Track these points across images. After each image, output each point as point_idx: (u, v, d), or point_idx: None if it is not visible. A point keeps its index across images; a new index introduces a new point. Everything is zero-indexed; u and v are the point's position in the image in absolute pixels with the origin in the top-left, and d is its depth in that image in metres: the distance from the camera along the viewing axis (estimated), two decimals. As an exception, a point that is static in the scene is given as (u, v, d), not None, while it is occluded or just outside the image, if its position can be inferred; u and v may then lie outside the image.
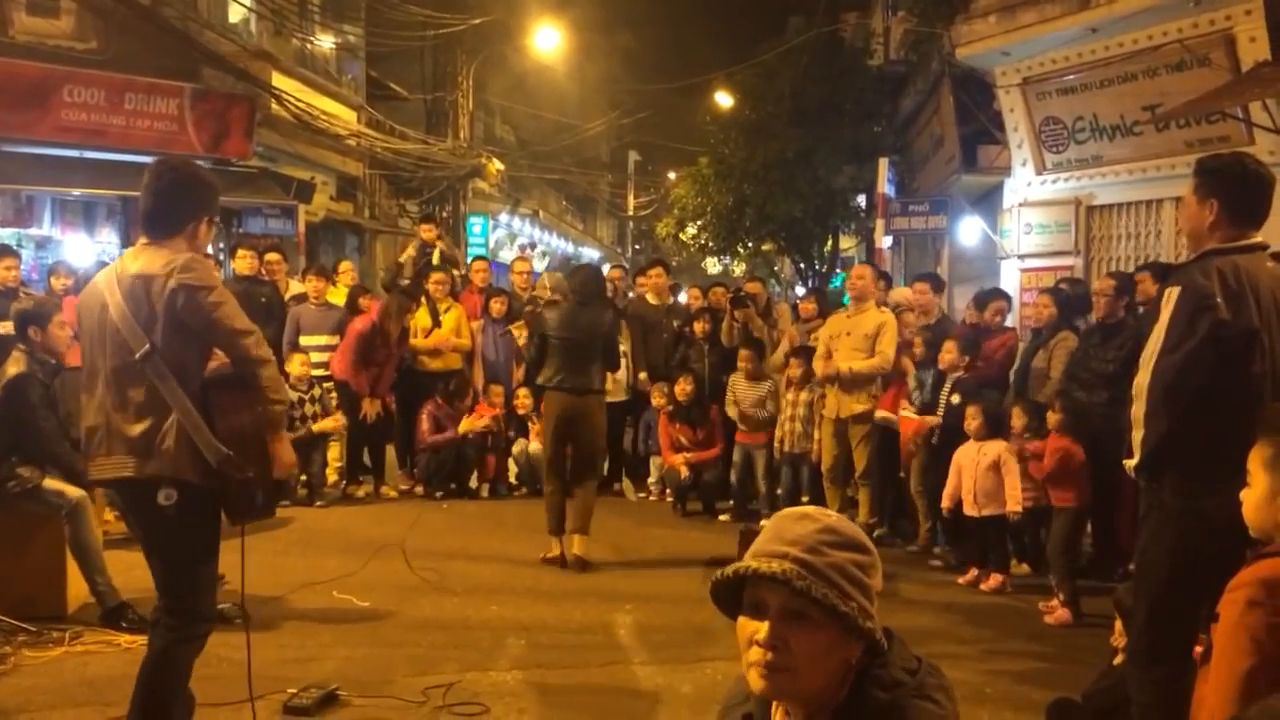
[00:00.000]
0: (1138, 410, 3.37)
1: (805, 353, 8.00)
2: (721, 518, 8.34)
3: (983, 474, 6.34)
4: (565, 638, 5.34)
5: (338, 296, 9.40)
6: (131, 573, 3.70)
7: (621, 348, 8.70)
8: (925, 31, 12.24)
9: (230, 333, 3.46)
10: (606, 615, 5.73)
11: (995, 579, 6.35)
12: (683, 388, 8.46)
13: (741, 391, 8.36)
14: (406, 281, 9.65)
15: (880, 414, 7.35)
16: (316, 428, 8.46)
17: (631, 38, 29.68)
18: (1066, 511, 5.97)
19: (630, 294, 10.51)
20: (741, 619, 1.61)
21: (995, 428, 6.41)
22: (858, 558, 1.60)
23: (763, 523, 7.98)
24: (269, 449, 3.48)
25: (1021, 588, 6.35)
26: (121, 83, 11.68)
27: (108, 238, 12.85)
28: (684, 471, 8.38)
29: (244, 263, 8.88)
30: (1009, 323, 8.54)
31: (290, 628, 5.32)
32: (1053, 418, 6.09)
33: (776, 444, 8.11)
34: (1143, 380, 3.35)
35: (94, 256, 11.93)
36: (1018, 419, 6.38)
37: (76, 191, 12.07)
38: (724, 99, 20.99)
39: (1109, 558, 6.53)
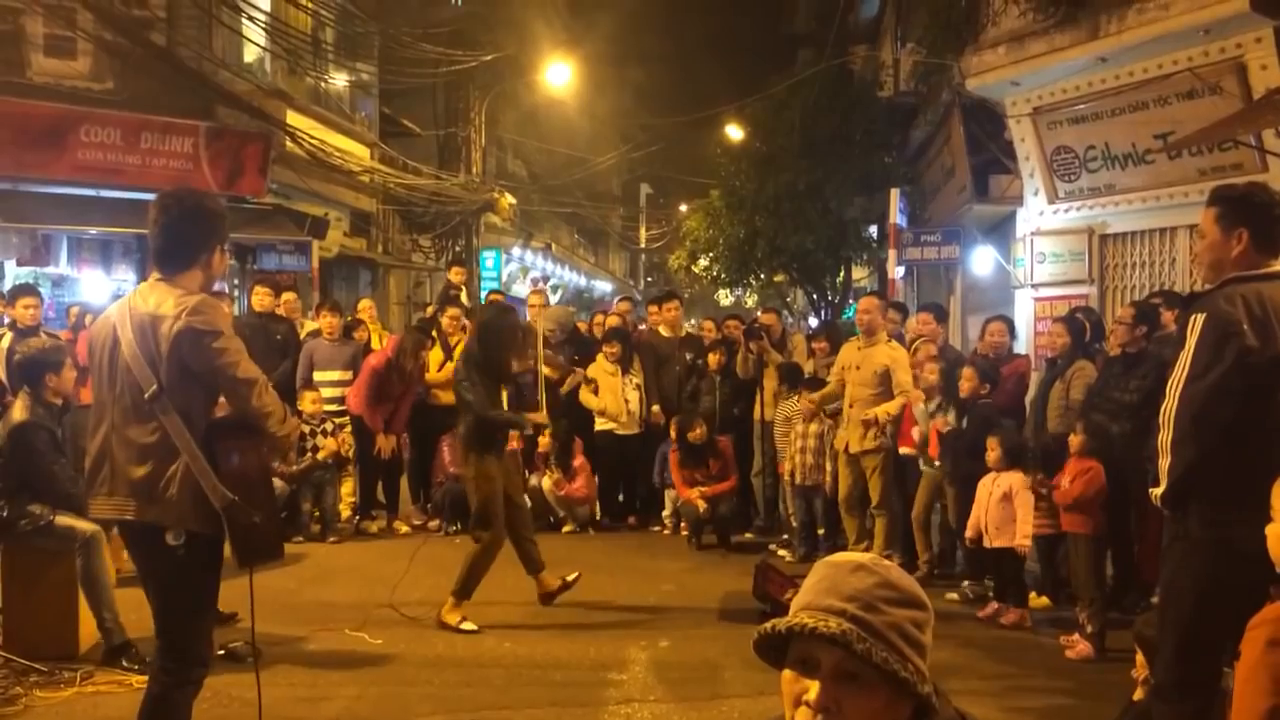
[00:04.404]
0: (1164, 438, 3.32)
1: (813, 384, 7.98)
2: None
3: (995, 505, 6.27)
4: (580, 675, 5.28)
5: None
6: (141, 611, 3.66)
7: (634, 380, 9.00)
8: (935, 63, 12.27)
9: (233, 380, 3.39)
10: (621, 652, 5.66)
11: (1015, 613, 6.26)
12: (696, 433, 8.40)
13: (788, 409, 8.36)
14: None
15: (904, 450, 7.35)
16: (321, 454, 8.38)
17: (642, 72, 30.09)
18: (1083, 539, 5.87)
19: (641, 326, 10.50)
20: (787, 673, 1.50)
21: (1014, 459, 6.33)
22: (915, 615, 1.50)
23: (781, 552, 8.00)
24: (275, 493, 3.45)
25: (1041, 622, 6.25)
26: (137, 122, 11.80)
27: (124, 275, 12.97)
28: (701, 505, 8.31)
29: (259, 299, 8.93)
30: (1020, 349, 8.47)
31: (302, 666, 5.28)
32: (1075, 440, 6.01)
33: (787, 476, 8.06)
34: (1169, 408, 3.31)
35: (110, 294, 12.03)
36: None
37: (93, 230, 12.16)
38: (734, 132, 21.06)
39: (1130, 589, 6.43)
